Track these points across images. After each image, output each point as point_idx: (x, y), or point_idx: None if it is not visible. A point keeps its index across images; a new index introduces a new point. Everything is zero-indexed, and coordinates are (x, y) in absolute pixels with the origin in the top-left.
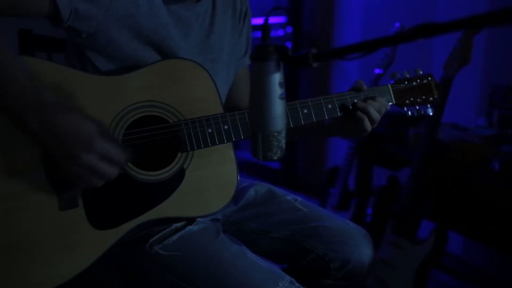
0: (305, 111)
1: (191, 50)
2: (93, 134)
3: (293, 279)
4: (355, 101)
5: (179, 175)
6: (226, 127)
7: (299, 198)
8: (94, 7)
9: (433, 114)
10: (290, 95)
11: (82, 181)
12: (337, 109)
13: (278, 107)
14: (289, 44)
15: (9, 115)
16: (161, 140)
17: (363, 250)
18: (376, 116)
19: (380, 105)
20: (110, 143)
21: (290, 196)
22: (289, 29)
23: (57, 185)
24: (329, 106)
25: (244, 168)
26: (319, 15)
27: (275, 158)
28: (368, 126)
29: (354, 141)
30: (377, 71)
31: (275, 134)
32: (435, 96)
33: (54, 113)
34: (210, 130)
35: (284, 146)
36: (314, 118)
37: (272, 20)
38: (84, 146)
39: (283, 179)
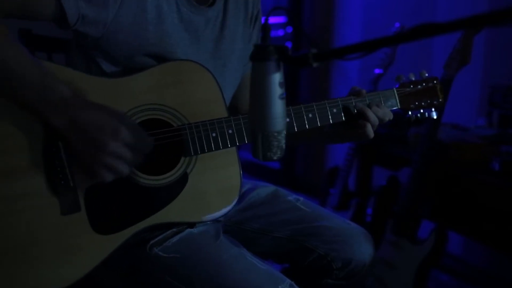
0: (310, 115)
1: (201, 55)
2: (118, 122)
3: (292, 282)
4: (360, 105)
5: (182, 180)
6: (230, 131)
7: (301, 198)
8: (102, 12)
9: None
10: (290, 95)
11: (109, 170)
12: (342, 114)
13: (278, 107)
14: (289, 44)
15: (30, 114)
16: (164, 144)
17: (364, 250)
18: (375, 121)
19: (384, 112)
20: (134, 131)
21: (292, 196)
22: (289, 29)
23: (59, 188)
24: (334, 110)
25: (244, 168)
26: (319, 15)
27: (275, 158)
28: (371, 132)
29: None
30: (377, 71)
31: (275, 134)
32: (440, 99)
33: (77, 106)
34: (214, 134)
35: (284, 146)
36: (319, 123)
37: (272, 20)
38: (111, 133)
39: (283, 179)
